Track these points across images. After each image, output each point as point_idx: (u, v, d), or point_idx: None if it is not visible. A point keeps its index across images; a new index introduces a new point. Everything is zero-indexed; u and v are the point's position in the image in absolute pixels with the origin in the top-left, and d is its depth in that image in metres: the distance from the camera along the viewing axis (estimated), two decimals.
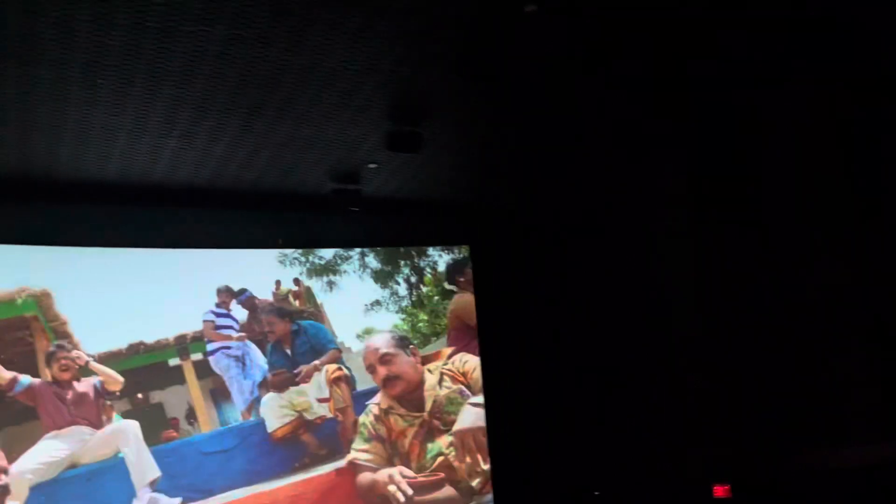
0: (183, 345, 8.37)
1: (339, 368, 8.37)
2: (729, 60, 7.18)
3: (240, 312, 8.82)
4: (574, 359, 10.06)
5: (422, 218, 10.35)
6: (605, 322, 9.83)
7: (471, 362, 8.12)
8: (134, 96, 7.04)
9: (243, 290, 8.87)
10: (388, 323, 9.15)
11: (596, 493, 8.02)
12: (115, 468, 7.61)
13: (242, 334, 8.50)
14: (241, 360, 8.31)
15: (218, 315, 8.74)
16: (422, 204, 10.07)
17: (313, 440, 8.05)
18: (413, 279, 10.10)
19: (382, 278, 9.53)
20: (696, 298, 8.89)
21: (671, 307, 9.15)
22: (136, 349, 8.13)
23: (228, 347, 8.44)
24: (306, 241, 9.92)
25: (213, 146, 8.21)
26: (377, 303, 9.28)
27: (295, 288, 9.21)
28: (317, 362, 8.45)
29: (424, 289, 9.57)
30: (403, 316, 9.18)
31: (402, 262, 9.90)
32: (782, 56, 7.26)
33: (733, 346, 8.48)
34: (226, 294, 8.81)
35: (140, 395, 8.08)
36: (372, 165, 8.80)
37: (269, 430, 8.01)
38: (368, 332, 8.96)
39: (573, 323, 10.11)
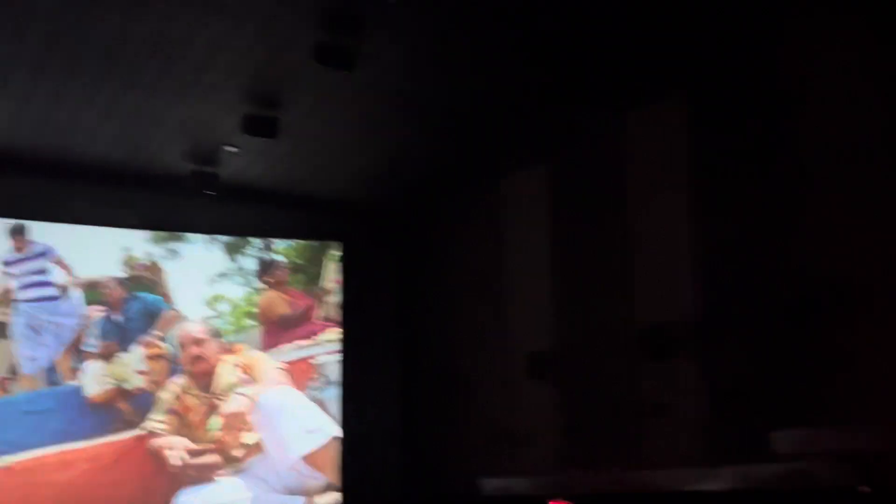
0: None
1: (160, 347, 8.73)
2: None
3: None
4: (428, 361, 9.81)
5: (288, 210, 9.90)
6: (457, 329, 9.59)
7: (256, 357, 8.86)
8: None
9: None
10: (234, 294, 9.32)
11: None
12: None
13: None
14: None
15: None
16: (287, 195, 9.64)
17: (128, 408, 8.45)
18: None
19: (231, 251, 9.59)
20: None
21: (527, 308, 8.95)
22: None
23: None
24: (158, 222, 9.41)
25: (54, 111, 7.63)
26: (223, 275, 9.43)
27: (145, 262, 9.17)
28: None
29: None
30: (249, 290, 9.39)
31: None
32: None
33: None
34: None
35: None
36: (231, 149, 8.31)
37: (87, 394, 8.35)
38: (217, 299, 9.24)
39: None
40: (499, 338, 8.66)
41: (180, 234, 9.29)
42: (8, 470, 7.72)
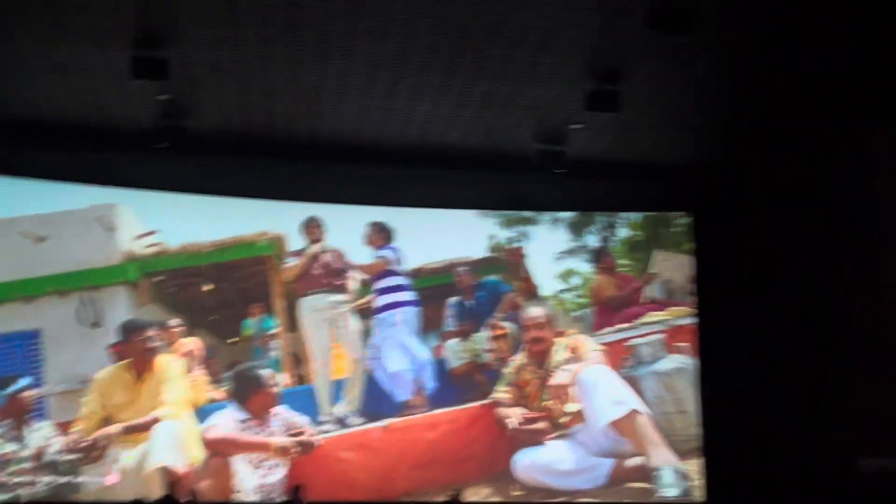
0: None
1: (503, 328, 9.74)
2: None
3: None
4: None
5: (633, 182, 10.01)
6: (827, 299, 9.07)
7: (581, 339, 9.61)
8: (332, 54, 7.37)
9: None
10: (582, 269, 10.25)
11: None
12: None
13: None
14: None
15: None
16: (631, 166, 9.73)
17: (483, 379, 9.66)
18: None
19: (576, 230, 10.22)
20: None
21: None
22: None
23: None
24: (511, 202, 10.05)
25: (416, 105, 8.41)
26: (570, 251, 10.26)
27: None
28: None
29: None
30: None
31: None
32: None
33: None
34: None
35: None
36: (575, 126, 8.55)
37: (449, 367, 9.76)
38: (569, 273, 10.21)
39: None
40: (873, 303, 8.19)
41: (528, 215, 10.09)
42: (386, 429, 9.15)
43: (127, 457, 8.50)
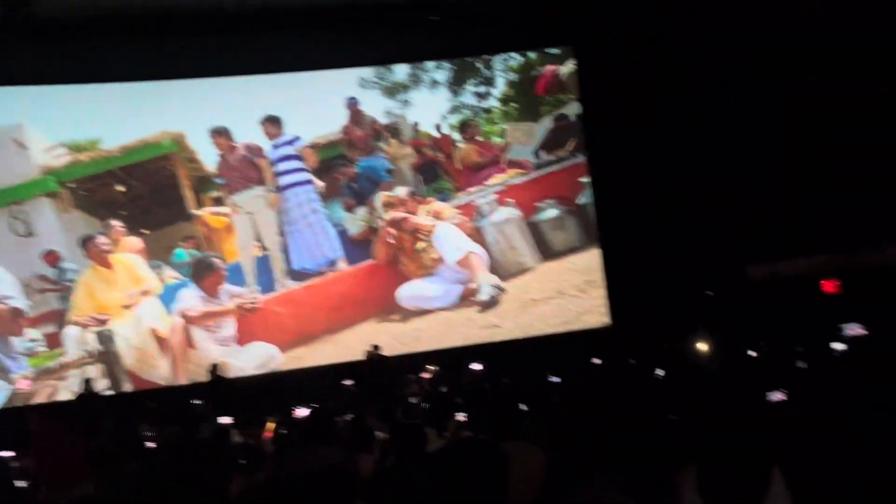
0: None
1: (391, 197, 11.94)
2: None
3: None
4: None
5: (510, 19, 10.53)
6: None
7: (440, 205, 11.96)
8: None
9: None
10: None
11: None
12: None
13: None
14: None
15: None
16: (504, 4, 10.15)
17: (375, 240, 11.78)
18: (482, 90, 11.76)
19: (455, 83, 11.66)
20: None
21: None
22: None
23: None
24: (389, 57, 10.65)
25: None
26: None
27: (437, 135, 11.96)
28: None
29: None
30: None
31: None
32: None
33: None
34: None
35: None
36: None
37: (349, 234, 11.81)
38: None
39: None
40: None
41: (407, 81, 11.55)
42: (307, 287, 11.42)
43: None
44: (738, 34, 9.88)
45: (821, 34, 9.28)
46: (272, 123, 11.28)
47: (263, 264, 11.27)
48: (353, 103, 11.65)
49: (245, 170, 11.16)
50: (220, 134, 11.05)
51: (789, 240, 10.19)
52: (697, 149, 10.38)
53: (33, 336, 10.40)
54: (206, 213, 11.29)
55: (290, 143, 11.31)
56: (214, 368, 9.88)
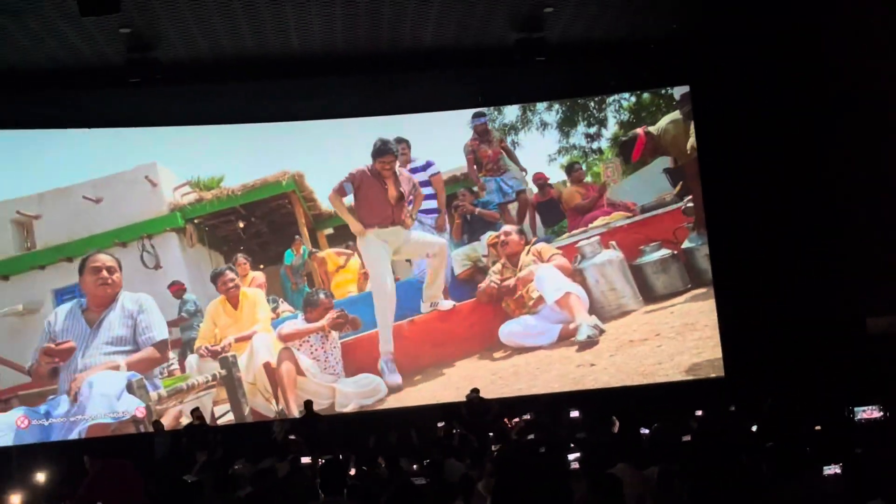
0: None
1: (496, 238, 12.00)
2: None
3: None
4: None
5: (623, 61, 10.39)
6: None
7: (542, 245, 12.09)
8: None
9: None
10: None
11: None
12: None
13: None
14: None
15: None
16: (618, 45, 9.95)
17: (481, 279, 11.97)
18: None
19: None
20: None
21: None
22: None
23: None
24: (496, 97, 10.58)
25: (379, 7, 8.52)
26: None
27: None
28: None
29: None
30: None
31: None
32: None
33: None
34: None
35: None
36: (548, 9, 8.75)
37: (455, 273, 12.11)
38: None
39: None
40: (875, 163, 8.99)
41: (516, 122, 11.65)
42: (412, 322, 11.70)
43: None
44: (865, 77, 9.28)
45: None
46: (406, 145, 11.44)
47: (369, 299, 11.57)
48: (481, 123, 11.76)
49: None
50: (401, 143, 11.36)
51: None
52: (816, 196, 10.00)
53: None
54: (326, 253, 11.76)
55: (424, 168, 11.44)
56: (308, 405, 10.18)
